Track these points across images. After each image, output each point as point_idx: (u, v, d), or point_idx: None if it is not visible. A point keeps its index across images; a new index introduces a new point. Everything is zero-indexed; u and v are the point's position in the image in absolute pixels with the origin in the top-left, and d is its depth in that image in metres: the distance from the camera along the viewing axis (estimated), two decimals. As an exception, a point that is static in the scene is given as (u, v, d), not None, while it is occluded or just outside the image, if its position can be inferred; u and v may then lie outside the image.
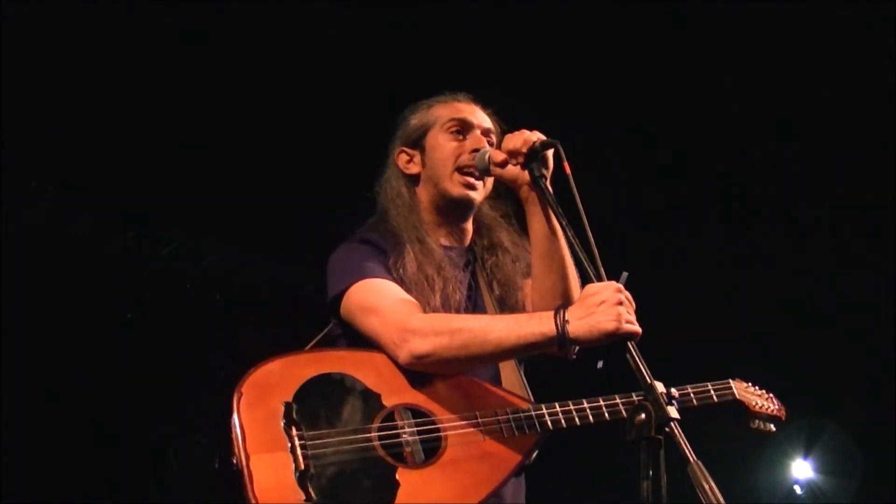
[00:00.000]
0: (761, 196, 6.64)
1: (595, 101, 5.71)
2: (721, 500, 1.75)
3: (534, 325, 2.19)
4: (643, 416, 1.83)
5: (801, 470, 8.53)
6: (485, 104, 2.71)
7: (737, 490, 7.35)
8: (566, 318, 2.14)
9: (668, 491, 1.79)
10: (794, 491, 8.55)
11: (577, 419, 2.28)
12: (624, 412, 2.33)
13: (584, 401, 2.32)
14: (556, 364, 2.51)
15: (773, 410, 2.84)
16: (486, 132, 2.64)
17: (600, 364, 2.33)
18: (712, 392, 2.61)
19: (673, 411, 1.83)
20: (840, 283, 6.99)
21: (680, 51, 5.61)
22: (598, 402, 2.33)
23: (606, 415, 2.32)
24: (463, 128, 2.61)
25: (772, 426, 2.84)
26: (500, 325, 2.23)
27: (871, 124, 5.98)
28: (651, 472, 1.79)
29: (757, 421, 2.80)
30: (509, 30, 5.33)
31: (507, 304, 2.56)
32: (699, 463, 1.78)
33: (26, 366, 5.65)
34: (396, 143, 2.69)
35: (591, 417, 2.30)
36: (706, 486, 1.75)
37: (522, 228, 2.65)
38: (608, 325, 2.08)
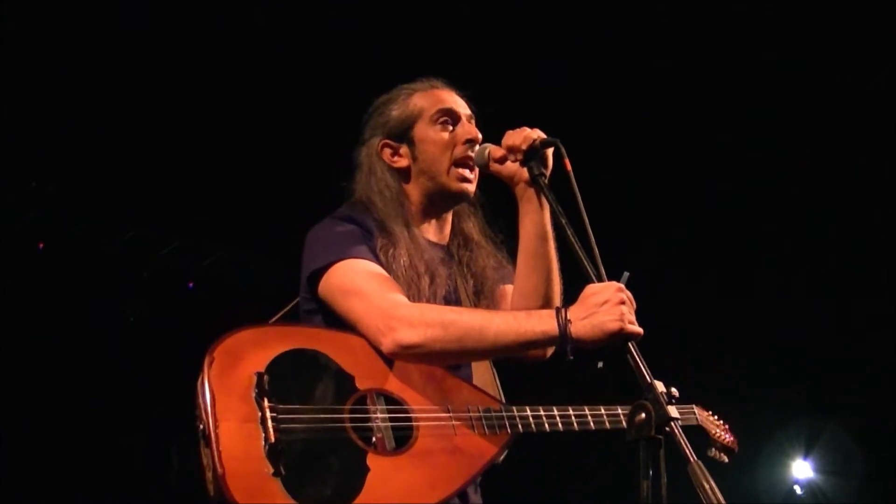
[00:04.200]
0: (762, 192, 6.64)
1: (595, 100, 5.73)
2: (721, 500, 1.73)
3: (534, 322, 2.15)
4: (643, 415, 1.81)
5: (801, 470, 8.52)
6: (458, 89, 2.66)
7: (737, 490, 7.35)
8: (568, 317, 2.11)
9: (667, 491, 1.78)
10: (794, 491, 8.55)
11: (547, 426, 2.25)
12: (593, 424, 2.32)
13: (555, 408, 2.30)
14: (537, 366, 2.52)
15: (728, 441, 2.87)
16: (469, 118, 2.60)
17: (601, 364, 2.31)
18: None
19: (673, 411, 1.82)
20: (840, 282, 6.99)
21: (685, 48, 5.61)
22: (568, 410, 2.30)
23: (576, 425, 2.30)
24: (451, 118, 2.57)
25: (725, 457, 2.87)
26: (498, 320, 2.19)
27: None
28: (651, 472, 1.78)
29: (714, 449, 2.84)
30: (501, 24, 5.34)
31: (483, 305, 2.53)
32: (699, 463, 1.77)
33: (26, 366, 5.66)
34: (377, 134, 2.59)
35: (560, 425, 2.27)
36: (706, 486, 1.74)
37: (502, 224, 2.65)
38: (612, 325, 2.05)
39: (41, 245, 5.93)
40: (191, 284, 6.49)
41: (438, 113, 2.56)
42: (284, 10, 5.07)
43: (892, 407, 6.97)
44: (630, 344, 2.02)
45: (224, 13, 4.99)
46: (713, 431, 2.81)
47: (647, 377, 1.90)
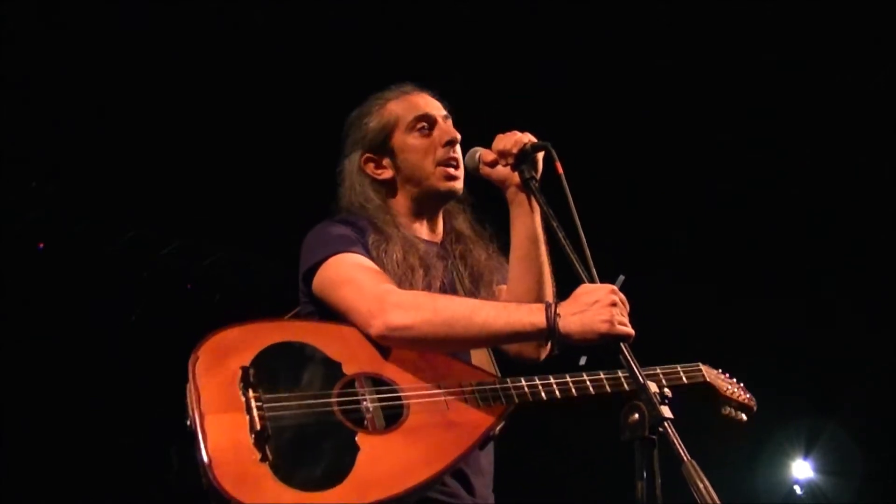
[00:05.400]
0: (762, 192, 6.64)
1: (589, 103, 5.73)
2: (716, 499, 1.74)
3: (523, 313, 2.15)
4: (637, 415, 1.82)
5: (801, 470, 8.53)
6: (427, 88, 2.65)
7: (737, 490, 7.35)
8: (557, 311, 2.11)
9: (662, 491, 1.79)
10: (794, 491, 8.56)
11: (543, 394, 2.23)
12: (593, 389, 2.28)
13: (552, 376, 2.27)
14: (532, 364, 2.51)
15: (743, 398, 2.72)
16: (445, 119, 2.59)
17: (583, 360, 2.31)
18: (682, 374, 2.55)
19: (666, 411, 1.82)
20: (840, 283, 6.98)
21: (685, 48, 5.61)
22: (566, 378, 2.27)
23: (574, 391, 2.26)
24: (428, 123, 2.55)
25: (742, 415, 2.72)
26: (488, 308, 2.19)
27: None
28: (645, 473, 1.79)
29: (728, 408, 2.68)
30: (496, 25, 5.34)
31: (481, 297, 2.51)
32: (693, 462, 1.77)
33: (26, 366, 5.66)
34: (357, 149, 2.58)
35: (557, 392, 2.24)
36: (700, 486, 1.74)
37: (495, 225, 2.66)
38: (601, 325, 2.06)
39: (41, 245, 5.93)
40: (189, 285, 6.50)
41: (414, 120, 2.55)
42: (284, 10, 5.08)
43: (892, 407, 6.97)
44: (623, 345, 2.02)
45: (224, 13, 4.99)
46: (725, 388, 2.67)
47: (640, 378, 1.91)
